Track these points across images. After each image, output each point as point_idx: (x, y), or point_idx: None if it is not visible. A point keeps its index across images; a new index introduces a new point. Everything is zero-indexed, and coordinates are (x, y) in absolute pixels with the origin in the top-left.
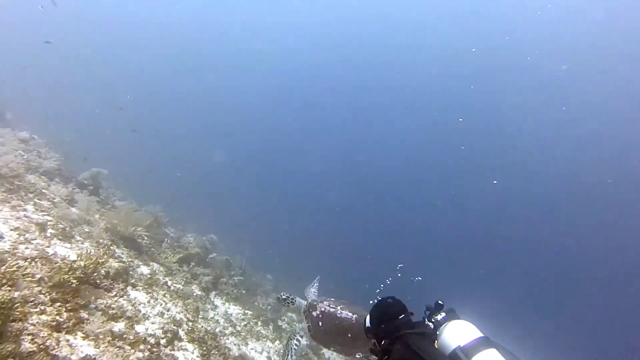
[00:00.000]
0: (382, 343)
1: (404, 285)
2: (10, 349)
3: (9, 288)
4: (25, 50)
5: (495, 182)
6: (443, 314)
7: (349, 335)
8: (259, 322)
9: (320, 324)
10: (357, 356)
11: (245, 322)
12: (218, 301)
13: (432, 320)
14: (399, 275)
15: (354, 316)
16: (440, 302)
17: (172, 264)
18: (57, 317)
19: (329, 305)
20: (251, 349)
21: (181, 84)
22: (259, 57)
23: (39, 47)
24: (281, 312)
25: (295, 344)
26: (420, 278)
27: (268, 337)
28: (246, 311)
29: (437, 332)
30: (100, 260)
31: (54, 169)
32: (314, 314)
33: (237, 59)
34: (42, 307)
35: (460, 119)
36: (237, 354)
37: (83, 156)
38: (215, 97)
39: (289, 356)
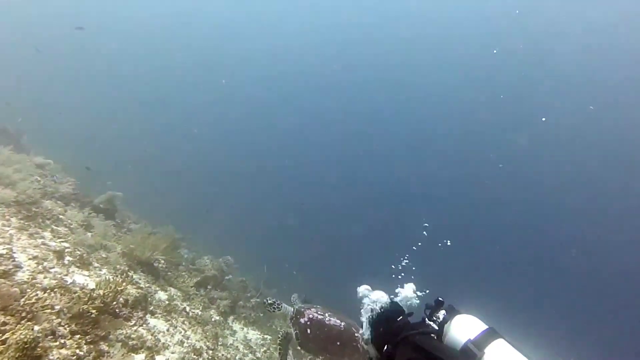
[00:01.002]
0: (385, 349)
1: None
2: None
3: (29, 322)
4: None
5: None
6: (444, 312)
7: (338, 343)
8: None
9: (308, 331)
10: None
11: (264, 348)
12: (236, 326)
13: (434, 318)
14: (425, 234)
15: (342, 323)
16: (440, 299)
17: (189, 288)
18: (77, 351)
19: (316, 312)
20: None
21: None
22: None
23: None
24: None
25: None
26: (448, 242)
27: None
28: (265, 335)
29: (443, 330)
30: (119, 288)
31: (70, 193)
32: (302, 320)
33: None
34: (62, 341)
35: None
36: None
37: (85, 166)
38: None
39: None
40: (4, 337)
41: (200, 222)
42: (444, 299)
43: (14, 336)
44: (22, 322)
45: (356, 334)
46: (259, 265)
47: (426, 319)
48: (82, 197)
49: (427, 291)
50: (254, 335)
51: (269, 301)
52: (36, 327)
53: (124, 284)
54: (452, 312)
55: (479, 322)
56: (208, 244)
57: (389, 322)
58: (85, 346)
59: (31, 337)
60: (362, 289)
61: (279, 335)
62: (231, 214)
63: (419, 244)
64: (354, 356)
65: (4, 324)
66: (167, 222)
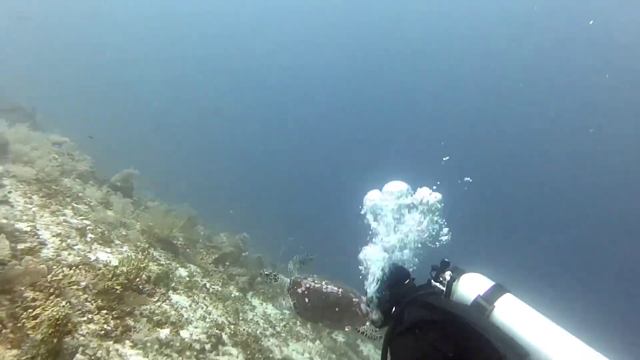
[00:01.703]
0: (392, 311)
1: None
2: None
3: (57, 298)
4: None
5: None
6: (449, 272)
7: (337, 309)
8: (298, 322)
9: (306, 300)
10: (346, 329)
11: (284, 323)
12: (255, 301)
13: (440, 280)
14: None
15: (340, 290)
16: (446, 260)
17: (208, 265)
18: (105, 326)
19: (313, 281)
20: (292, 350)
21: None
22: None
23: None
24: None
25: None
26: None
27: (308, 337)
28: (284, 310)
29: (451, 290)
30: (141, 265)
31: (88, 171)
32: (299, 290)
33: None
34: (90, 316)
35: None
36: (280, 357)
37: (88, 135)
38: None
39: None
40: (35, 313)
41: (213, 200)
42: (449, 260)
43: (47, 312)
44: (51, 297)
45: (354, 299)
46: (274, 241)
47: (432, 281)
48: (99, 174)
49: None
50: (272, 310)
51: (266, 272)
52: (64, 303)
53: (146, 261)
54: (458, 272)
55: (486, 279)
56: (223, 221)
57: (396, 286)
58: (112, 321)
59: (63, 313)
60: (365, 253)
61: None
62: (245, 192)
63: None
64: (352, 320)
65: (34, 299)
66: (182, 200)
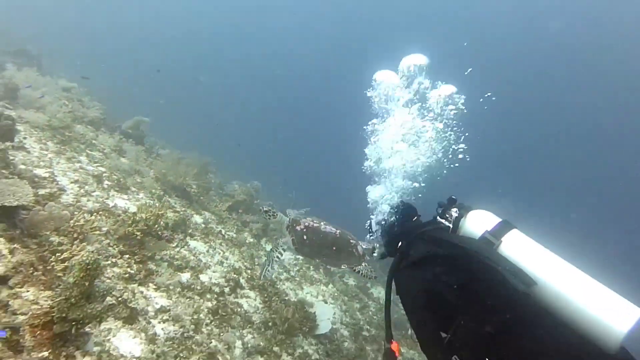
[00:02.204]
0: (399, 245)
1: None
2: (99, 308)
3: (81, 242)
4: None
5: None
6: (456, 209)
7: (334, 248)
8: (311, 267)
9: (304, 237)
10: (342, 267)
11: (297, 267)
12: (269, 247)
13: (446, 216)
14: None
15: (337, 231)
16: (453, 197)
17: (222, 212)
18: (129, 270)
19: (312, 221)
20: (307, 293)
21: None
22: None
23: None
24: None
25: (277, 256)
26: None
27: (321, 281)
28: (297, 256)
29: (458, 226)
30: (159, 212)
31: (99, 118)
32: (298, 228)
33: None
34: (114, 260)
35: None
36: (295, 299)
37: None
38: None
39: (270, 266)
40: (63, 257)
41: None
42: (456, 197)
43: (77, 257)
44: (75, 242)
45: (351, 241)
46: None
47: (437, 217)
48: (109, 121)
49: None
50: (286, 255)
51: (265, 208)
52: (89, 247)
53: (164, 208)
54: (465, 209)
55: (493, 216)
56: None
57: (403, 221)
58: (134, 265)
59: (93, 258)
60: (374, 193)
61: (271, 250)
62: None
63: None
64: (349, 260)
65: (60, 244)
66: (189, 148)
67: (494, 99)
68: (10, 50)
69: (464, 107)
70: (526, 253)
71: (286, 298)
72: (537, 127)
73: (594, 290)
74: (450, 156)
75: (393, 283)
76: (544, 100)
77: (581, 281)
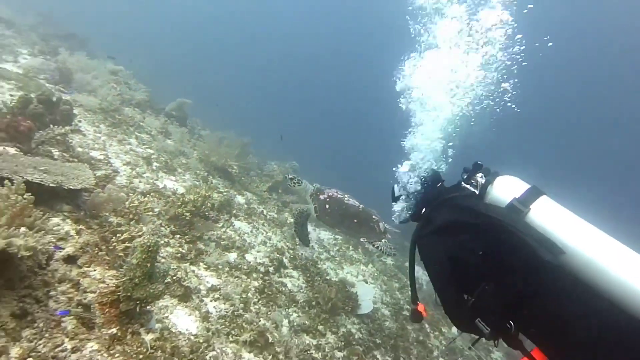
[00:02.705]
0: (423, 211)
1: None
2: (161, 288)
3: (137, 223)
4: None
5: None
6: (481, 175)
7: (355, 220)
8: (350, 247)
9: (327, 206)
10: (361, 240)
11: (337, 247)
12: (309, 227)
13: (472, 182)
14: None
15: (361, 206)
16: (479, 162)
17: (263, 193)
18: (180, 249)
19: (336, 192)
20: (347, 272)
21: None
22: None
23: None
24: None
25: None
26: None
27: (361, 261)
28: (336, 236)
29: (485, 192)
30: (206, 194)
31: (145, 100)
32: (321, 197)
33: None
34: (166, 240)
35: None
36: (336, 279)
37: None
38: None
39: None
40: (123, 237)
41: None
42: (482, 163)
43: (139, 240)
44: (131, 223)
45: (373, 217)
46: (322, 168)
47: (462, 183)
48: (154, 103)
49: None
50: (325, 235)
51: (290, 176)
52: (144, 228)
53: (211, 190)
54: (492, 175)
55: (521, 182)
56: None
57: (428, 187)
58: (185, 245)
59: (153, 241)
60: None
61: (294, 213)
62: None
63: None
64: (369, 234)
65: (118, 225)
66: (226, 127)
67: (550, 44)
68: (61, 34)
69: (519, 49)
70: (556, 220)
71: (327, 278)
72: (596, 87)
73: (627, 257)
74: (494, 106)
75: (416, 248)
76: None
77: (613, 248)
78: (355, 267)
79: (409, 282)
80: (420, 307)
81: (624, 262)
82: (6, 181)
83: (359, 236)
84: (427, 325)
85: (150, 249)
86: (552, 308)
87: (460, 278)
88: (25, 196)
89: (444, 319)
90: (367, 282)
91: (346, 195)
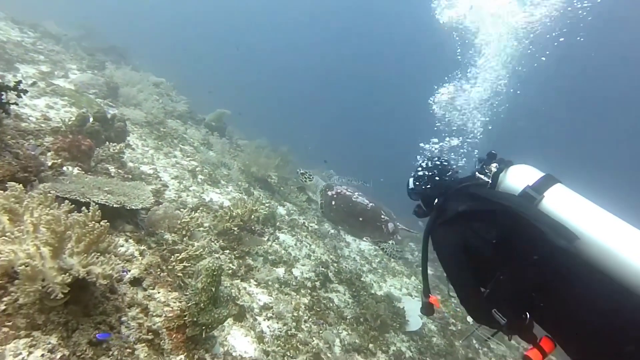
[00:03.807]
0: (435, 202)
1: None
2: (225, 313)
3: (189, 239)
4: None
5: None
6: (496, 164)
7: (360, 219)
8: (392, 259)
9: (333, 203)
10: (364, 239)
11: (378, 259)
12: (349, 237)
13: (485, 171)
14: None
15: (370, 204)
16: (493, 152)
17: (302, 203)
18: (231, 265)
19: (346, 189)
20: (390, 285)
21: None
22: None
23: None
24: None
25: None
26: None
27: (403, 273)
28: (376, 247)
29: (497, 181)
30: (254, 208)
31: (186, 111)
32: (329, 193)
33: None
34: (217, 256)
35: None
36: (381, 293)
37: (207, 90)
38: None
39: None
40: (181, 257)
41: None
42: (496, 152)
43: (204, 263)
44: (184, 239)
45: (382, 217)
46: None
47: (476, 173)
48: (194, 114)
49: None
50: (366, 246)
51: (301, 171)
52: (196, 244)
53: (258, 204)
54: (506, 163)
55: (535, 170)
56: (299, 154)
57: (439, 177)
58: (235, 261)
59: (217, 265)
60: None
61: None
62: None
63: None
64: (373, 233)
65: (174, 242)
66: (257, 133)
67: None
68: (103, 46)
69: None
70: (570, 207)
71: (372, 292)
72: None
73: None
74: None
75: (430, 240)
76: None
77: (628, 234)
78: (398, 279)
79: (421, 274)
80: (433, 300)
81: (639, 248)
82: (83, 208)
83: (362, 235)
84: (474, 341)
85: (215, 273)
86: (567, 296)
87: (474, 268)
88: (102, 223)
89: (490, 331)
90: (412, 296)
91: (356, 193)
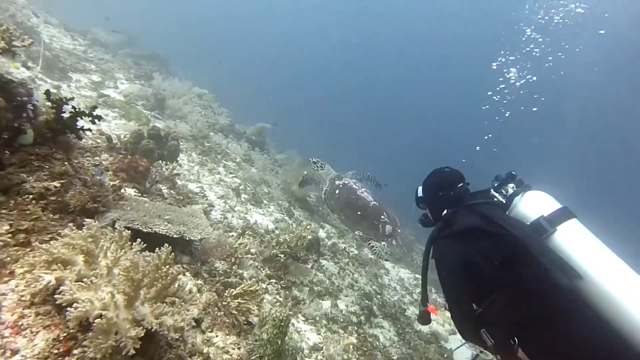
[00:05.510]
0: (444, 213)
1: None
2: None
3: (238, 268)
4: None
5: None
6: (513, 186)
7: (359, 213)
8: (432, 289)
9: (336, 191)
10: (356, 232)
11: (418, 289)
12: (388, 264)
13: (501, 191)
14: None
15: (374, 202)
16: (513, 172)
17: (340, 225)
18: (277, 297)
19: (354, 183)
20: (433, 320)
21: None
22: None
23: None
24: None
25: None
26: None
27: (445, 306)
28: (416, 275)
29: (512, 203)
30: (303, 234)
31: (228, 125)
32: (337, 182)
33: None
34: (264, 286)
35: None
36: (426, 330)
37: (274, 122)
38: None
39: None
40: (235, 292)
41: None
42: (516, 173)
43: (271, 312)
44: (233, 267)
45: (382, 217)
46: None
47: (492, 190)
48: (235, 127)
49: None
50: (405, 274)
51: (314, 160)
52: (245, 273)
53: (306, 230)
54: (524, 187)
55: (553, 200)
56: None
57: (449, 187)
58: (281, 291)
59: (285, 314)
60: None
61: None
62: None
63: None
64: (368, 231)
65: (226, 273)
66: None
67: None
68: (145, 54)
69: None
70: (579, 245)
71: (418, 329)
72: None
73: None
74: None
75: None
76: None
77: (630, 280)
78: (441, 313)
79: (421, 283)
80: (430, 309)
81: (636, 295)
82: (157, 250)
83: (355, 228)
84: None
85: (282, 324)
86: (560, 332)
87: (472, 285)
88: (176, 268)
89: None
90: (456, 332)
91: (363, 189)
